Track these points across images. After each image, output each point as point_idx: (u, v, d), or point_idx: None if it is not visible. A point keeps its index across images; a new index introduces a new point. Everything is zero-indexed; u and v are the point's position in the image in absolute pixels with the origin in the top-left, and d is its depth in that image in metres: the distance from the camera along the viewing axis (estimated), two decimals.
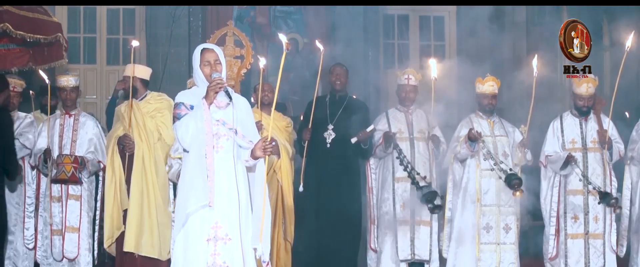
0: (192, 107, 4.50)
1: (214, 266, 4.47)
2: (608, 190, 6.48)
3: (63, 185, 6.50)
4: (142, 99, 6.60)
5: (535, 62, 6.13)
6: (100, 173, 6.68)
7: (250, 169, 4.65)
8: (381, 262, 6.68)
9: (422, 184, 6.34)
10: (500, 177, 6.44)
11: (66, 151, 6.51)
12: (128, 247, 6.36)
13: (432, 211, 6.37)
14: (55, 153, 6.48)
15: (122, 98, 7.08)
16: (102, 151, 6.61)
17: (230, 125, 4.52)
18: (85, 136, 6.60)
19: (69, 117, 6.64)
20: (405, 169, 6.45)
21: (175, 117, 4.54)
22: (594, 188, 6.40)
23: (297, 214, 6.78)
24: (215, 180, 4.45)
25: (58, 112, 6.73)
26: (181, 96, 4.63)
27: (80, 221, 6.52)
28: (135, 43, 6.52)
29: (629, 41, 5.62)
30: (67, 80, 6.62)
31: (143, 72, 6.74)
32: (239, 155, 4.58)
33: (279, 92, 4.60)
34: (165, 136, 6.42)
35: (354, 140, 6.56)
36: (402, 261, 6.65)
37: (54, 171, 6.40)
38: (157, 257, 6.39)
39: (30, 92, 7.86)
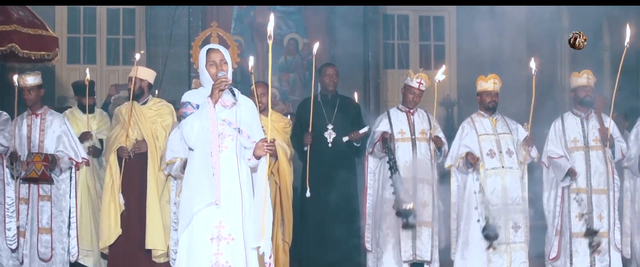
0: (198, 107, 4.52)
1: (217, 266, 4.47)
2: (609, 190, 6.51)
3: (31, 186, 6.43)
4: (144, 104, 6.59)
5: (533, 63, 6.16)
6: (74, 172, 6.58)
7: (253, 169, 4.65)
8: (383, 263, 6.66)
9: (401, 196, 6.29)
10: (478, 220, 6.43)
11: (35, 151, 6.42)
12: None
13: (404, 226, 6.37)
14: (23, 154, 6.41)
15: (123, 99, 7.05)
16: (72, 148, 6.53)
17: (235, 125, 4.53)
18: (52, 134, 6.51)
19: (36, 117, 6.56)
20: (390, 177, 6.39)
21: (182, 116, 4.56)
22: (587, 222, 6.44)
23: (297, 215, 6.77)
24: (220, 179, 4.44)
25: (25, 112, 6.63)
26: (188, 95, 4.65)
27: (52, 221, 6.46)
28: (138, 56, 6.56)
29: (627, 35, 5.59)
30: (34, 79, 6.51)
31: (149, 75, 6.75)
32: (243, 155, 4.60)
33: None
34: (161, 140, 6.44)
35: (345, 139, 6.61)
36: (404, 261, 6.63)
37: (23, 172, 6.33)
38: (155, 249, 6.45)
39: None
